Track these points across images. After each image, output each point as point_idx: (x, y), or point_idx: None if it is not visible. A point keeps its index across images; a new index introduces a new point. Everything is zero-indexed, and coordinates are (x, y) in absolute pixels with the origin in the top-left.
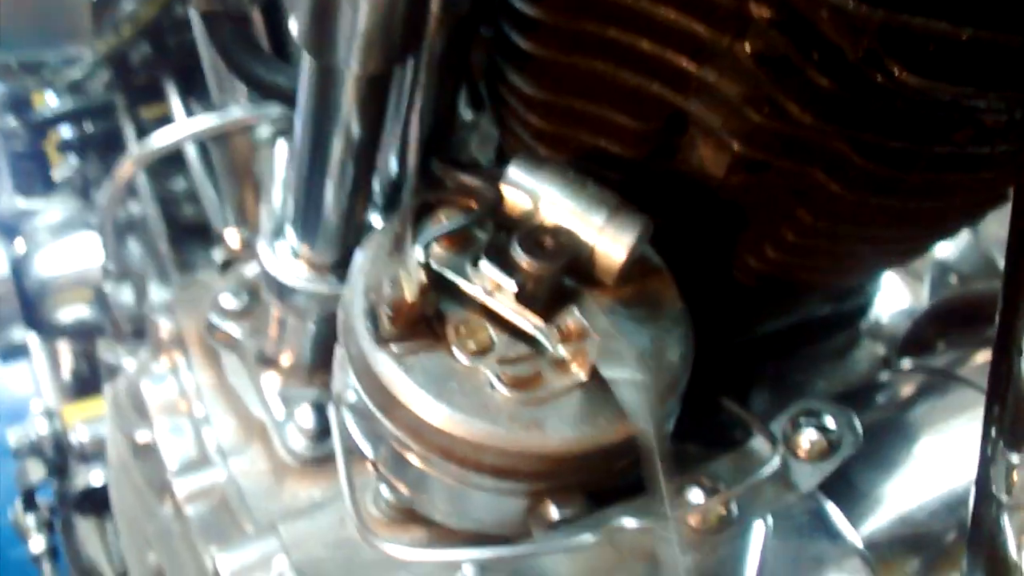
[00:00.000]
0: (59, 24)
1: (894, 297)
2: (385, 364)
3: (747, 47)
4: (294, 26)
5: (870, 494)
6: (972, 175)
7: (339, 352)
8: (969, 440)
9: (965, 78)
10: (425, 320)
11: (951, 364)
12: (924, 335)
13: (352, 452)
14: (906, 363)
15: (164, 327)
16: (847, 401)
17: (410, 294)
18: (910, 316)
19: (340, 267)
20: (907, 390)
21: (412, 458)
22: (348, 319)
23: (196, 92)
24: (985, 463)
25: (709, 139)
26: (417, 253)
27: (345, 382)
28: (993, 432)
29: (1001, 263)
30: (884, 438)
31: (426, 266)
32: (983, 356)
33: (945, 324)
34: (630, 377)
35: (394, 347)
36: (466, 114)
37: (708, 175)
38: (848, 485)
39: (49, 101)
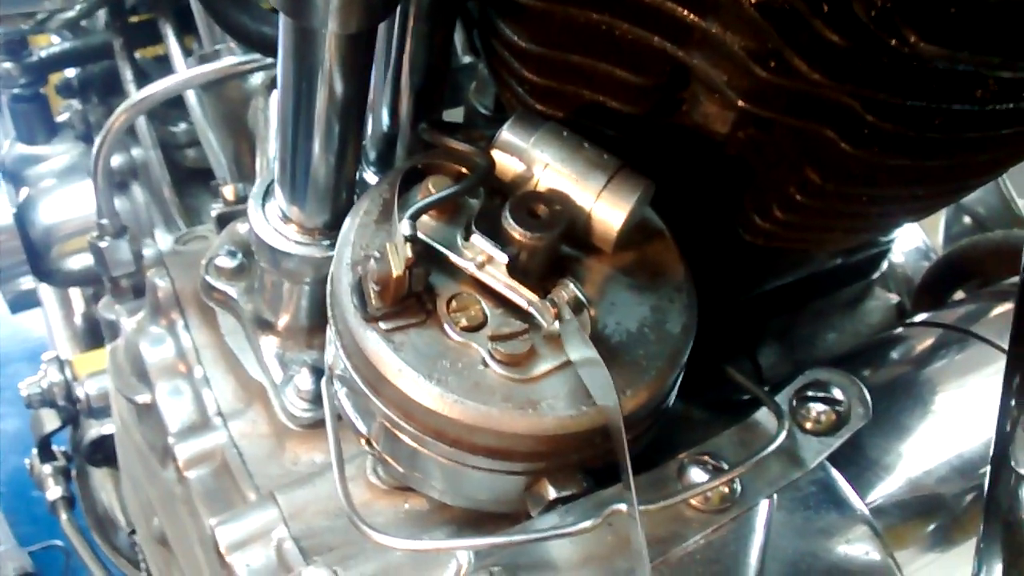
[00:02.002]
0: None
1: (907, 237)
2: (373, 342)
3: None
4: None
5: (880, 460)
6: (993, 132)
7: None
8: (984, 400)
9: (989, 46)
10: (415, 295)
11: (967, 318)
12: (939, 285)
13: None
14: (921, 316)
15: (160, 287)
16: (859, 358)
17: (397, 268)
18: (924, 257)
19: (332, 228)
20: (921, 346)
21: (404, 437)
22: (335, 293)
23: (194, 31)
24: (1003, 434)
25: (713, 95)
26: (404, 226)
27: (336, 355)
28: (1012, 402)
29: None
30: (896, 399)
31: (413, 239)
32: (1000, 309)
33: (963, 273)
34: (589, 357)
35: (383, 324)
36: (464, 59)
37: (712, 132)
38: (858, 451)
39: (46, 43)
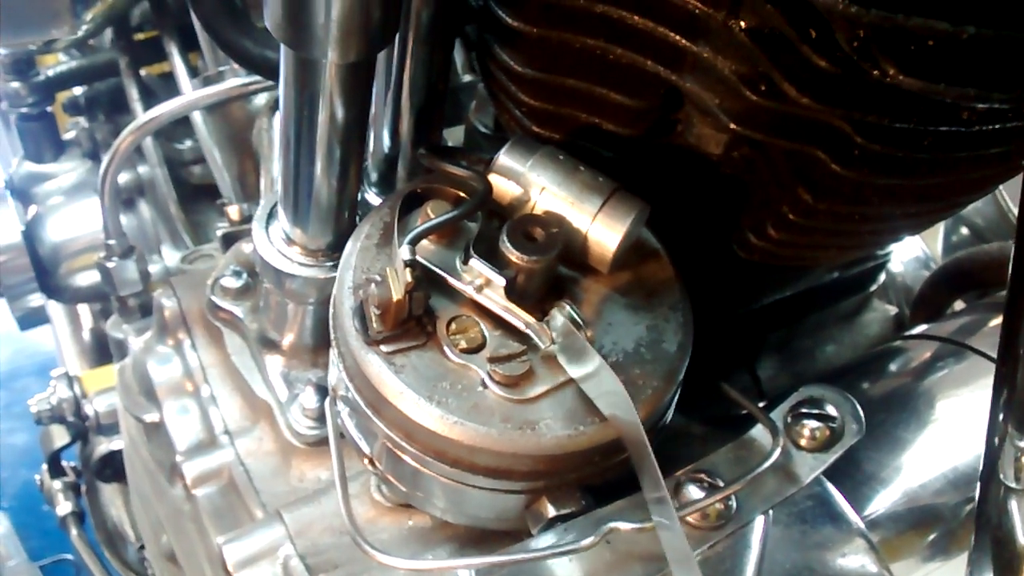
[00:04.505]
0: (39, 9)
1: (907, 248)
2: (375, 364)
3: (742, 23)
4: (267, 16)
5: (876, 474)
6: (982, 151)
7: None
8: (979, 413)
9: (966, 79)
10: (415, 318)
11: (964, 330)
12: (936, 296)
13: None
14: (918, 328)
15: (167, 306)
16: (855, 371)
17: (397, 292)
18: (924, 267)
19: (335, 250)
20: (917, 359)
21: (406, 457)
22: (337, 316)
23: (199, 48)
24: (992, 447)
25: (705, 117)
26: (403, 251)
27: (339, 377)
28: (1001, 416)
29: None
30: (892, 412)
31: (412, 264)
32: (996, 321)
33: (960, 284)
34: (594, 372)
35: (384, 347)
36: (464, 78)
37: (707, 152)
38: (854, 465)
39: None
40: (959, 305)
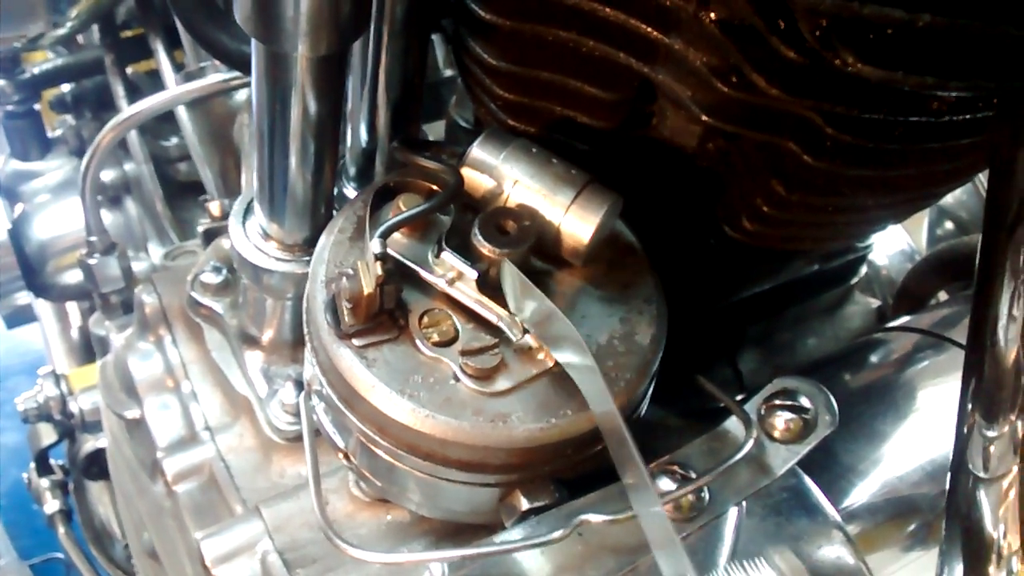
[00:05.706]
0: (15, 5)
1: (891, 240)
2: (347, 358)
3: (712, 14)
4: (237, 9)
5: (854, 466)
6: (953, 141)
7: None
8: (957, 405)
9: (924, 67)
10: (387, 311)
11: (945, 322)
12: (919, 288)
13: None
14: (898, 320)
15: (148, 303)
16: (835, 364)
17: (368, 286)
18: (908, 260)
19: (312, 244)
20: (897, 351)
21: (380, 452)
22: (311, 311)
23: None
24: (961, 438)
25: (679, 109)
26: (374, 244)
27: (313, 372)
28: (970, 406)
29: None
30: (870, 404)
31: (383, 257)
32: None
33: (941, 276)
34: (582, 361)
35: (356, 340)
36: (445, 72)
37: (681, 145)
38: (831, 457)
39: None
40: (943, 296)
